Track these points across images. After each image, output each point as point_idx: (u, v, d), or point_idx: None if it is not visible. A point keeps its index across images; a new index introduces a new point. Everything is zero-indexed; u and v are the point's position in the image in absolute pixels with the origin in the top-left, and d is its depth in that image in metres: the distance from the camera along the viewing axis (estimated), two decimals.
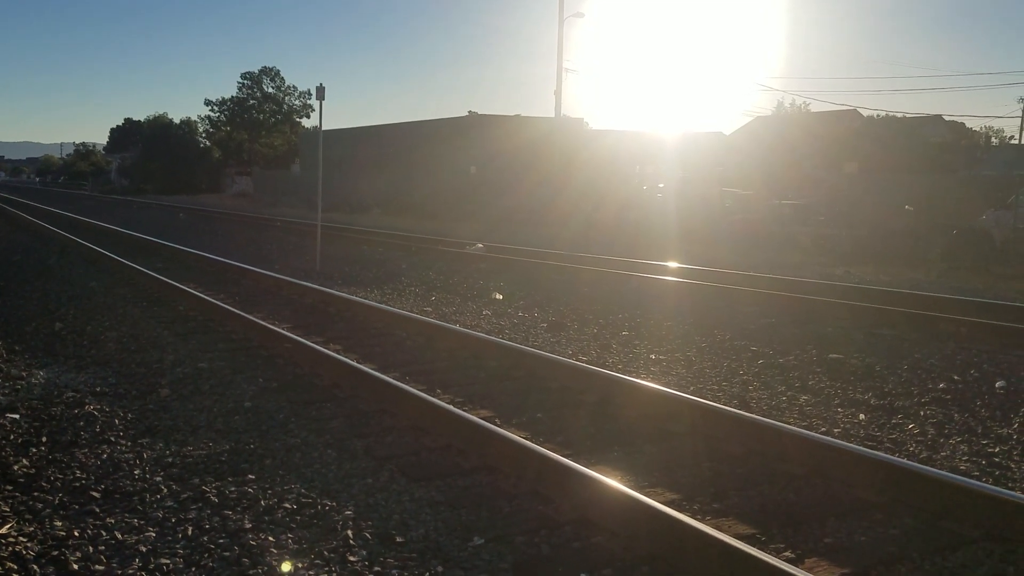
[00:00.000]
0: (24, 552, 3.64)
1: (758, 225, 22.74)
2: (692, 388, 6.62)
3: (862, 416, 5.97)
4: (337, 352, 7.45)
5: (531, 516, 4.12)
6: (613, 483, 4.14)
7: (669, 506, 3.95)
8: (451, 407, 5.52)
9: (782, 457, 4.88)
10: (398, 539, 3.84)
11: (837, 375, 7.11)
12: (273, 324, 8.66)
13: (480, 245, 19.11)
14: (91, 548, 3.69)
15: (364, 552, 3.71)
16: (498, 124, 35.75)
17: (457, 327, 8.79)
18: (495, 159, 34.12)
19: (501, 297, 11.55)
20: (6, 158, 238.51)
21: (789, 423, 5.58)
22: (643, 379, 6.66)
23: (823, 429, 5.61)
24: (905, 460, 4.81)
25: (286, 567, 3.50)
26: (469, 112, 38.03)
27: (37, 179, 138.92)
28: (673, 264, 15.26)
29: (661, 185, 29.12)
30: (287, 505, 4.17)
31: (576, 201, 26.95)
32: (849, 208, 21.84)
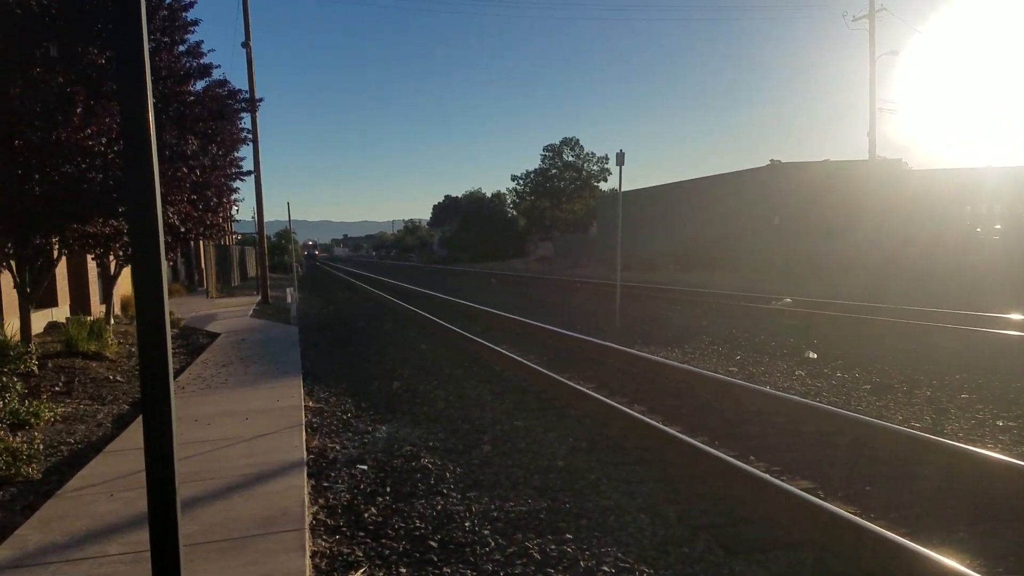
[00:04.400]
0: None
1: None
2: None
3: None
4: (642, 413, 7.48)
5: None
6: (961, 568, 3.66)
7: None
8: (767, 476, 5.26)
9: None
10: None
11: None
12: (578, 384, 8.93)
13: (787, 299, 18.25)
14: None
15: None
16: (803, 171, 34.01)
17: (767, 389, 8.41)
18: (801, 208, 32.49)
19: (815, 356, 10.87)
20: (349, 236, 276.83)
21: None
22: (990, 449, 5.86)
23: None
24: None
25: None
26: (771, 161, 36.74)
27: (373, 252, 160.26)
28: (1020, 316, 13.35)
29: (998, 227, 25.86)
30: (606, 568, 4.22)
31: (897, 248, 24.76)
32: None
